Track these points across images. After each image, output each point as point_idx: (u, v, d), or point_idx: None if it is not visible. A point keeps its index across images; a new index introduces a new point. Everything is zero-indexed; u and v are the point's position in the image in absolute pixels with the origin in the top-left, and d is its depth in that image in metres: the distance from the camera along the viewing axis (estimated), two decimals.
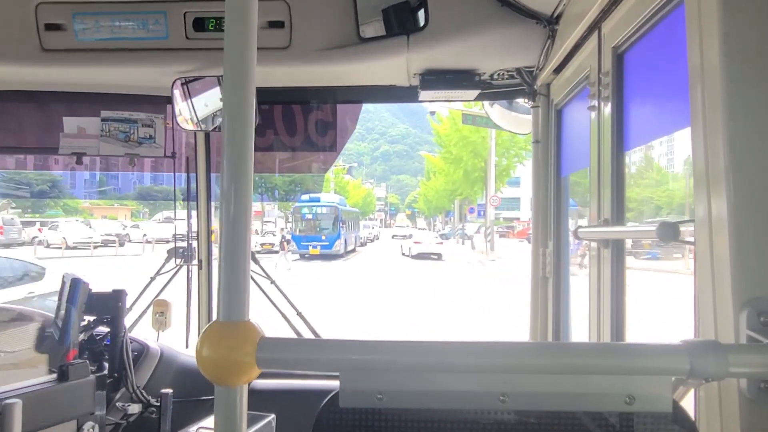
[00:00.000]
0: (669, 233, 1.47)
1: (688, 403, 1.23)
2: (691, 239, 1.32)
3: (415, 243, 42.77)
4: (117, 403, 2.95)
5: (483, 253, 40.30)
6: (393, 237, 51.90)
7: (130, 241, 45.69)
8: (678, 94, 1.58)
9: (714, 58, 1.16)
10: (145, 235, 45.71)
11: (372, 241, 63.37)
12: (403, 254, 42.66)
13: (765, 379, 1.06)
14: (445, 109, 39.82)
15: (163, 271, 3.74)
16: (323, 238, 38.51)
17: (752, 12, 1.13)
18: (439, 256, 40.02)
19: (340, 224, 39.67)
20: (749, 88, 1.12)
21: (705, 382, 1.00)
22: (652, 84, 1.90)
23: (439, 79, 2.99)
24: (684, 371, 0.96)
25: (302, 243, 38.43)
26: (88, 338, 2.94)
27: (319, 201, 40.38)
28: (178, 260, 3.75)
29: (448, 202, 71.57)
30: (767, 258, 1.10)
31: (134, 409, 2.95)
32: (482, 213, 44.38)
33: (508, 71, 3.08)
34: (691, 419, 1.08)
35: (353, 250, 45.58)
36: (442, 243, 43.39)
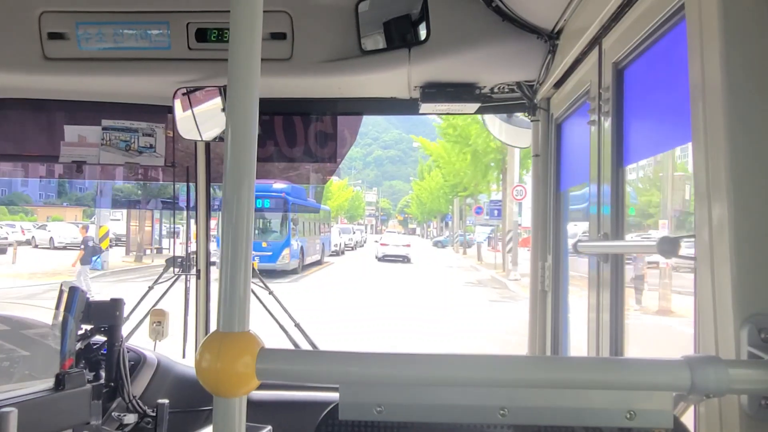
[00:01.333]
0: (669, 248, 1.47)
1: (688, 420, 1.23)
2: (692, 254, 1.32)
3: (381, 245, 42.18)
4: (113, 413, 2.93)
5: (498, 269, 31.11)
6: (375, 242, 49.78)
7: (36, 246, 38.10)
8: (678, 110, 1.59)
9: (715, 74, 1.16)
10: (51, 238, 38.60)
11: (353, 248, 55.39)
12: (376, 257, 41.16)
13: (766, 395, 1.06)
14: None
15: (161, 280, 3.74)
16: (264, 245, 25.96)
17: (754, 27, 1.14)
18: (406, 259, 39.02)
19: (290, 225, 27.57)
20: (751, 104, 1.13)
21: (706, 398, 1.00)
22: (653, 99, 1.91)
23: (439, 92, 3.01)
24: (685, 387, 0.96)
25: None
26: (85, 347, 2.93)
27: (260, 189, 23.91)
28: (177, 269, 3.74)
29: (446, 203, 64.51)
30: None
31: (130, 419, 2.93)
32: (497, 213, 33.56)
33: (508, 85, 3.10)
34: None
35: (318, 263, 33.89)
36: (409, 245, 42.17)
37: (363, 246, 63.96)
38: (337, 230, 49.18)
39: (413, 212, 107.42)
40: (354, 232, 63.48)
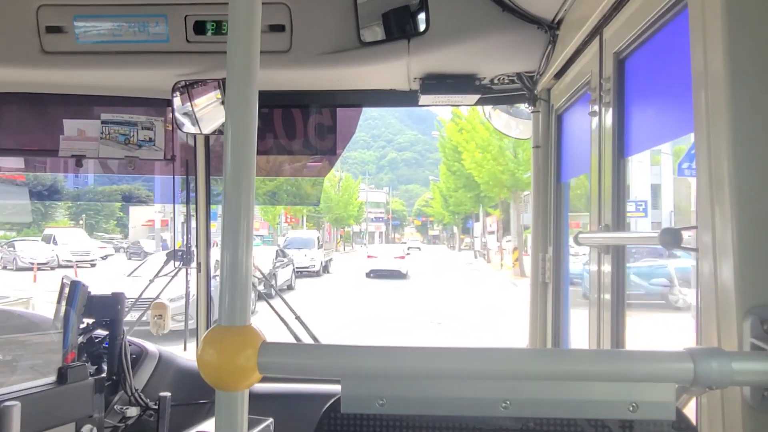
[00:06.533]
0: (671, 240, 1.47)
1: (690, 412, 1.23)
2: (694, 246, 1.32)
3: (368, 257, 34.77)
4: (115, 406, 2.94)
5: None
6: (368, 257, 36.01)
7: None
8: (679, 100, 1.58)
9: (718, 64, 1.16)
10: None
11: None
12: (367, 276, 32.21)
13: None
14: None
15: (162, 273, 3.73)
16: None
17: (756, 17, 1.13)
18: (400, 274, 31.36)
19: None
20: (754, 94, 1.12)
21: (709, 389, 0.99)
22: (654, 90, 1.90)
23: (439, 83, 2.99)
24: (688, 379, 0.96)
25: None
26: (87, 341, 2.93)
27: None
28: (177, 263, 3.74)
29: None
30: None
31: (132, 412, 2.94)
32: None
33: (508, 76, 3.08)
34: (694, 427, 1.08)
35: None
36: (403, 258, 33.60)
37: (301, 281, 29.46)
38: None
39: (435, 212, 72.25)
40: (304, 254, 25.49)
